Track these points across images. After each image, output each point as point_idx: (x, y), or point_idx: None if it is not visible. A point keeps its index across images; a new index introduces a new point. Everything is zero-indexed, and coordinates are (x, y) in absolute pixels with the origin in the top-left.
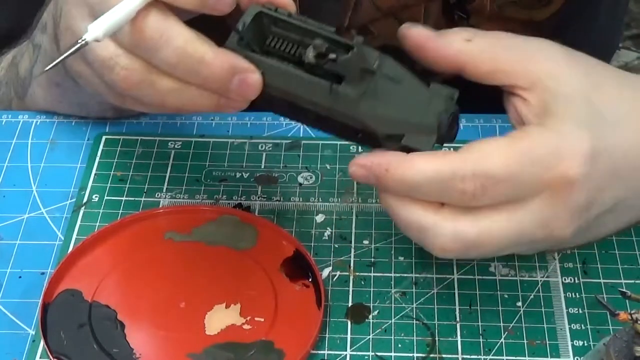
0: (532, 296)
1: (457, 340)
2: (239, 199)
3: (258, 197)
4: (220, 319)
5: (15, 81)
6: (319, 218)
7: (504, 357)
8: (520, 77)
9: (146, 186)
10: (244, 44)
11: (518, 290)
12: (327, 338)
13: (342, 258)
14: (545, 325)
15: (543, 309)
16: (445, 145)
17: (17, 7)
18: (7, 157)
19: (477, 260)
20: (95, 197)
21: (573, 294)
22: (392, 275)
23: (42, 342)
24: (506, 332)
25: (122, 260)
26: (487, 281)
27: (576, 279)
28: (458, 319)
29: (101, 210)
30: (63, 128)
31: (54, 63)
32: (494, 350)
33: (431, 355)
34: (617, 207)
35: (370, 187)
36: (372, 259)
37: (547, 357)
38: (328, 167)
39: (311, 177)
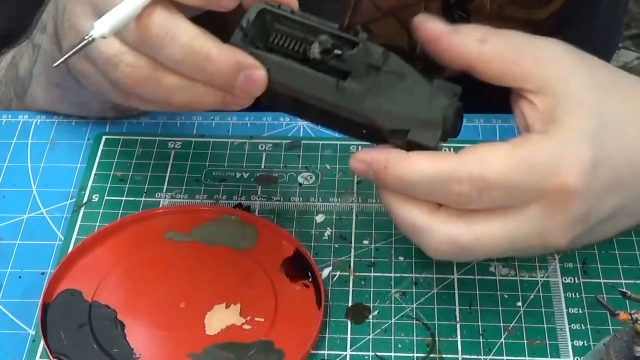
0: (532, 296)
1: (457, 340)
2: (239, 199)
3: (258, 197)
4: (220, 319)
5: (15, 81)
6: (319, 218)
7: (504, 357)
8: (530, 81)
9: (146, 186)
10: (249, 40)
11: (518, 290)
12: (327, 338)
13: (342, 258)
14: (545, 325)
15: (543, 309)
16: (446, 145)
17: (17, 7)
18: (7, 157)
19: (477, 261)
20: (95, 197)
21: (573, 294)
22: (392, 275)
23: (42, 342)
24: (506, 332)
25: (122, 260)
26: (487, 281)
27: (576, 279)
28: (458, 319)
29: (101, 210)
30: (63, 128)
31: (61, 60)
32: (494, 350)
33: (431, 355)
34: (616, 214)
35: (370, 187)
36: (372, 259)
37: (547, 357)
38: (328, 167)
39: (311, 177)
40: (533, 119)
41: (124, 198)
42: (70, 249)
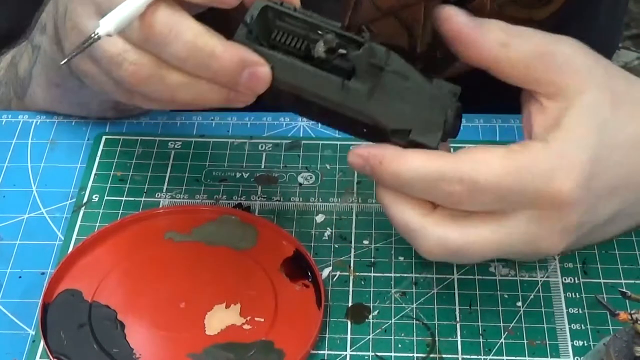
0: (532, 296)
1: (457, 340)
2: (239, 199)
3: (258, 197)
4: (220, 319)
5: (15, 81)
6: (319, 218)
7: (504, 357)
8: (547, 86)
9: (146, 186)
10: (253, 37)
11: (518, 290)
12: (327, 338)
13: (342, 258)
14: (545, 325)
15: (543, 309)
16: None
17: (17, 7)
18: (7, 157)
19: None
20: (95, 197)
21: (573, 294)
22: (392, 275)
23: (42, 342)
24: (506, 332)
25: (122, 260)
26: (487, 281)
27: (576, 279)
28: (458, 319)
29: (101, 210)
30: (63, 128)
31: (67, 58)
32: (494, 350)
33: (431, 355)
34: (615, 218)
35: (370, 187)
36: (372, 259)
37: (547, 357)
38: (328, 167)
39: (311, 177)
40: (539, 122)
41: (124, 198)
42: (70, 249)
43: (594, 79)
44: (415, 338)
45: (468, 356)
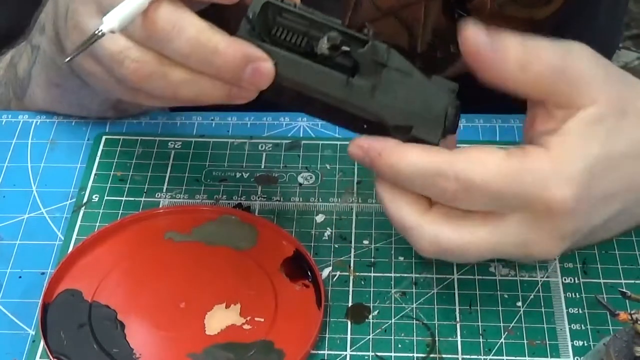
0: (532, 296)
1: (457, 340)
2: (239, 199)
3: (258, 197)
4: (220, 319)
5: (14, 82)
6: (319, 218)
7: (504, 357)
8: (559, 96)
9: (146, 186)
10: (256, 33)
11: (518, 290)
12: (327, 338)
13: (342, 258)
14: (545, 325)
15: (543, 309)
16: None
17: (17, 7)
18: (7, 157)
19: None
20: (95, 197)
21: (573, 294)
22: (392, 275)
23: (42, 342)
24: (506, 332)
25: (122, 260)
26: (487, 281)
27: (576, 279)
28: (458, 319)
29: (101, 210)
30: (63, 128)
31: (71, 56)
32: (494, 350)
33: (431, 355)
34: (614, 219)
35: (370, 187)
36: (372, 259)
37: (547, 357)
38: (328, 167)
39: (311, 177)
40: (542, 128)
41: (124, 198)
42: (70, 249)
43: (604, 91)
44: (415, 338)
45: (468, 356)
